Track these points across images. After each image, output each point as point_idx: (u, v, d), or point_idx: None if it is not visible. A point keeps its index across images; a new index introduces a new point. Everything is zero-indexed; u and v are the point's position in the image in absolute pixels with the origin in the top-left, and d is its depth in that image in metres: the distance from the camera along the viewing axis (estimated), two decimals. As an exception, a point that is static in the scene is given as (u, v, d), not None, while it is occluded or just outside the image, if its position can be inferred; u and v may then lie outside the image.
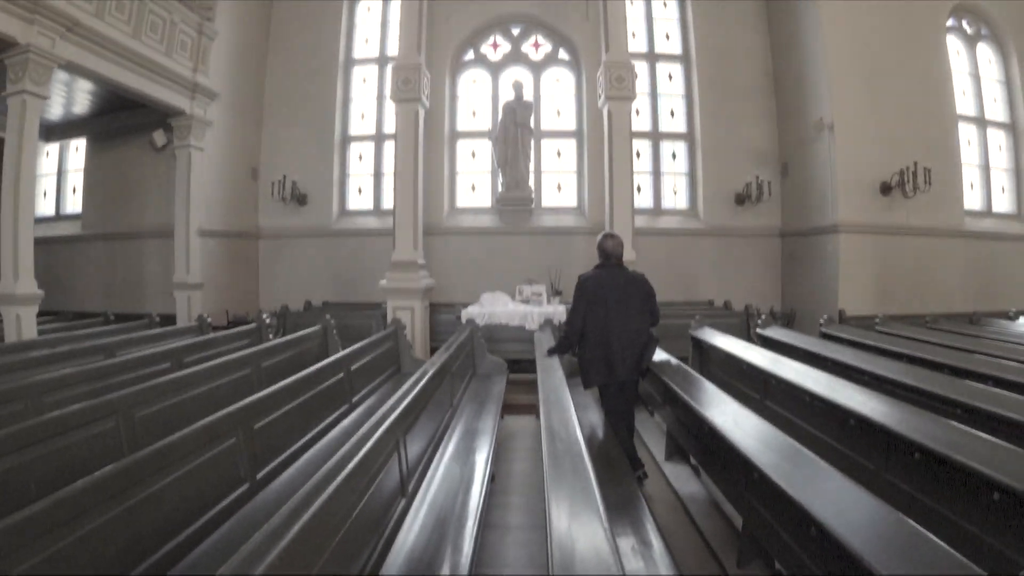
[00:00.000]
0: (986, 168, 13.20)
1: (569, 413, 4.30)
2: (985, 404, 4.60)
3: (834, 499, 2.92)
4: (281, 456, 4.71)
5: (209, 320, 9.55)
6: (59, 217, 13.15)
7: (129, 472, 3.05)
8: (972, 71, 13.26)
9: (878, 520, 2.63)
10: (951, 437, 3.68)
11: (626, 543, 3.59)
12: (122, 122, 12.02)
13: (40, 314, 8.54)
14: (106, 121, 12.19)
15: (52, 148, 13.24)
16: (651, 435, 7.18)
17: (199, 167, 11.29)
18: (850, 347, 7.69)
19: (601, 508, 2.61)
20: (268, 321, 9.38)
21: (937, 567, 2.17)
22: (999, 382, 5.55)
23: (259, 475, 4.31)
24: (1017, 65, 13.27)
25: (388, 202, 12.54)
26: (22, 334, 8.08)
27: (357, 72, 13.66)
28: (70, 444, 3.96)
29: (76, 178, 13.11)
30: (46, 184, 13.17)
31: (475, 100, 13.50)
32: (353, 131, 13.56)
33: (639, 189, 12.75)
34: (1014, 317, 10.85)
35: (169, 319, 10.68)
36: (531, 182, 12.73)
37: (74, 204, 13.12)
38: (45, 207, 13.05)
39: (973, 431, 3.77)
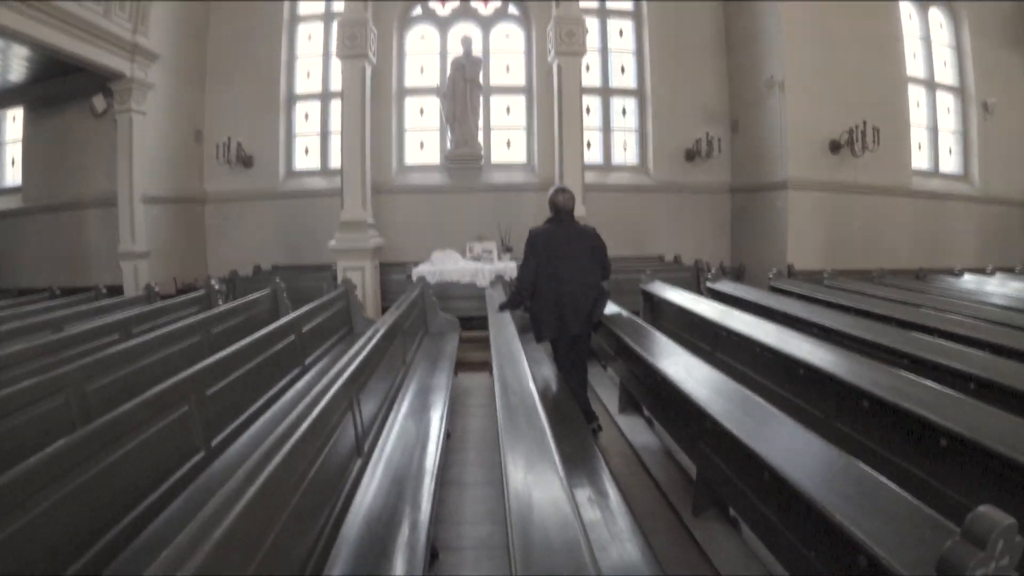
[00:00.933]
0: (934, 130, 13.49)
1: (522, 366, 4.33)
2: (931, 355, 4.74)
3: (785, 445, 3.00)
4: (236, 422, 4.69)
5: (157, 289, 9.39)
6: (-1, 191, 12.78)
7: (81, 446, 3.00)
8: (923, 35, 13.48)
9: (829, 464, 2.71)
10: (899, 385, 3.80)
11: (582, 494, 3.64)
12: (60, 88, 11.66)
13: (-18, 293, 8.34)
14: (44, 88, 11.81)
15: (-12, 119, 12.81)
16: (604, 388, 7.30)
17: (141, 132, 10.95)
18: (799, 300, 7.86)
19: (557, 459, 2.65)
20: (217, 287, 9.27)
21: (888, 508, 2.23)
22: (944, 334, 5.70)
23: (214, 442, 4.29)
24: (968, 30, 13.50)
25: (336, 162, 12.34)
26: (-36, 315, 7.86)
27: (302, 29, 13.33)
28: (18, 424, 3.88)
29: (14, 149, 12.74)
30: (-17, 157, 12.76)
31: (423, 56, 13.28)
32: (299, 90, 13.28)
33: (589, 145, 12.78)
34: (959, 274, 11.16)
35: (117, 290, 10.47)
36: (480, 139, 12.65)
37: (13, 176, 12.77)
38: (-17, 182, 12.65)
39: (921, 380, 3.89)
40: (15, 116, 12.71)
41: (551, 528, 2.10)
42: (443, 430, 4.68)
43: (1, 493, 2.51)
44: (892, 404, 3.61)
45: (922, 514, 2.16)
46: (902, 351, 5.04)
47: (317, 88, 13.27)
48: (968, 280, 10.66)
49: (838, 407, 4.22)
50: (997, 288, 9.61)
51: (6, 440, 3.73)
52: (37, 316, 7.61)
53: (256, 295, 8.36)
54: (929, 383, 3.81)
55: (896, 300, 7.84)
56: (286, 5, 13.16)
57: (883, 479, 2.42)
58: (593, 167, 12.80)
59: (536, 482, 2.45)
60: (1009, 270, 11.36)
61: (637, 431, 6.10)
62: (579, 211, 10.06)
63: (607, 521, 3.38)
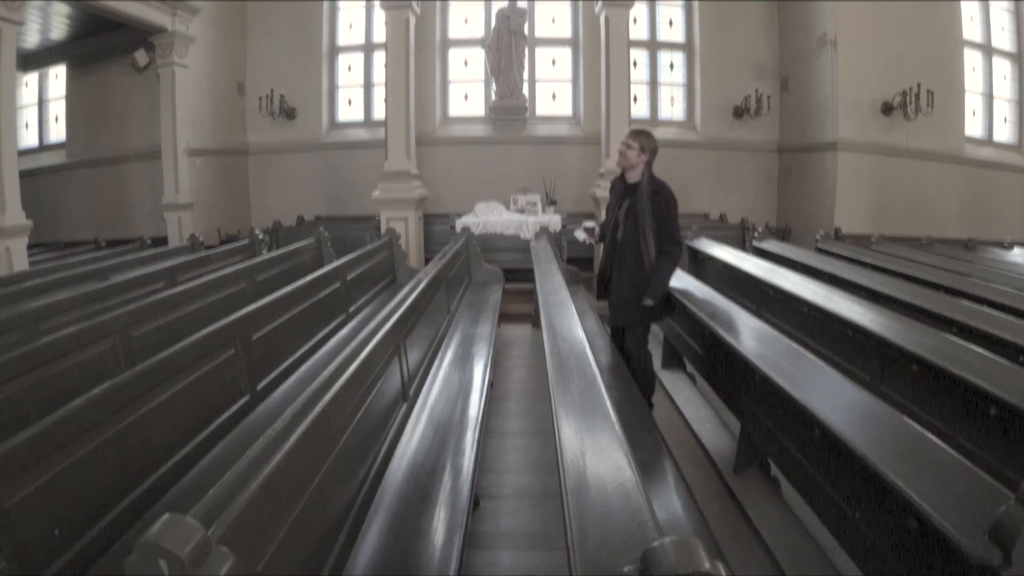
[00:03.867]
0: (989, 97, 12.88)
1: (571, 313, 4.28)
2: (981, 324, 4.54)
3: (836, 401, 2.93)
4: (281, 367, 4.73)
5: (201, 239, 9.45)
6: (43, 147, 12.89)
7: (127, 387, 3.02)
8: None
9: (881, 423, 2.64)
10: (950, 351, 3.67)
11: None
12: (102, 44, 11.66)
13: (30, 246, 8.42)
14: (85, 45, 11.82)
15: (31, 78, 12.92)
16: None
17: (183, 85, 10.96)
18: (846, 262, 7.66)
19: (610, 407, 2.58)
20: (261, 237, 9.30)
21: (942, 470, 2.17)
22: (994, 305, 5.45)
23: (259, 386, 4.33)
24: None
25: (379, 113, 12.34)
26: (13, 266, 7.93)
27: (345, -21, 13.20)
28: (67, 368, 3.93)
29: (58, 106, 12.80)
30: (27, 115, 12.89)
31: (467, 6, 13.06)
32: (341, 41, 13.17)
33: (635, 99, 12.48)
34: (1009, 247, 10.77)
35: (161, 241, 10.54)
36: (525, 91, 12.46)
37: (57, 133, 12.84)
38: (28, 138, 12.81)
39: (971, 346, 3.74)
40: (57, 74, 12.75)
41: (605, 475, 2.04)
42: (487, 379, 4.66)
43: (49, 433, 2.53)
44: (942, 368, 3.49)
45: (977, 478, 2.12)
46: (951, 318, 4.83)
47: (360, 39, 13.13)
48: (1018, 253, 10.28)
49: (885, 370, 4.11)
50: None
51: (55, 383, 3.78)
52: (83, 266, 7.65)
53: (300, 244, 8.41)
54: (981, 351, 3.66)
55: (945, 268, 7.55)
56: (328, -46, 12.98)
57: (938, 441, 2.37)
58: (639, 122, 12.44)
59: (589, 429, 2.39)
60: None
61: (679, 387, 6.06)
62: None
63: (652, 474, 3.36)
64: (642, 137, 4.86)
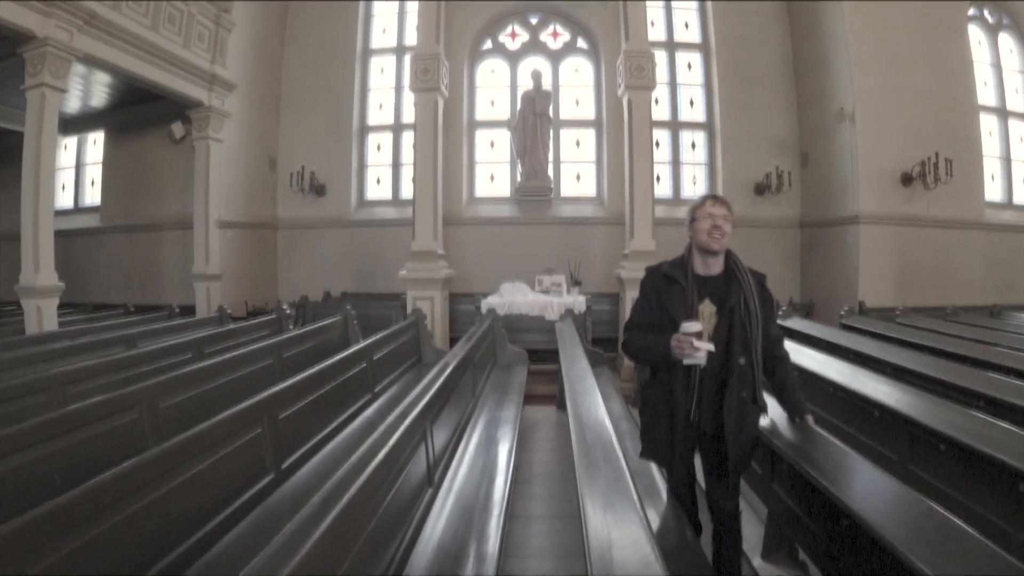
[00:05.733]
0: (1007, 160, 13.04)
1: (596, 401, 4.29)
2: (1009, 396, 4.59)
3: (862, 487, 2.90)
4: (306, 446, 4.74)
5: (229, 311, 9.58)
6: (78, 210, 13.24)
7: (155, 463, 3.05)
8: (993, 61, 13.12)
9: (907, 508, 2.60)
10: (977, 428, 3.70)
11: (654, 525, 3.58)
12: (140, 114, 12.06)
13: (60, 306, 8.55)
14: (124, 114, 12.22)
15: (70, 141, 13.33)
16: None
17: (217, 158, 11.27)
18: (871, 338, 7.69)
19: (636, 498, 2.59)
20: (288, 312, 9.40)
21: (969, 555, 2.16)
22: (1021, 375, 5.52)
23: (284, 465, 4.33)
24: None
25: (406, 192, 12.58)
26: (43, 326, 8.09)
27: (375, 62, 13.62)
28: (94, 436, 3.97)
29: (94, 171, 13.20)
30: (65, 177, 13.24)
31: (493, 90, 13.40)
32: (371, 121, 13.52)
33: (658, 179, 12.64)
34: None
35: (189, 310, 10.70)
36: (550, 172, 12.66)
37: (93, 196, 13.22)
38: (64, 200, 13.12)
39: (998, 422, 3.78)
40: (96, 139, 13.16)
41: (631, 567, 2.05)
42: (512, 463, 4.65)
43: (77, 504, 2.55)
44: (969, 447, 3.52)
45: (1005, 562, 2.08)
46: (978, 391, 4.90)
47: (389, 119, 13.47)
48: None
49: (913, 450, 4.11)
50: None
51: (82, 450, 3.83)
52: (112, 331, 7.82)
53: (327, 321, 8.46)
54: (1007, 425, 3.71)
55: (970, 338, 7.59)
56: (359, 38, 13.44)
57: (963, 524, 2.33)
58: (662, 201, 12.63)
59: (616, 521, 2.39)
60: None
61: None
62: (647, 245, 10.05)
63: (678, 559, 3.32)
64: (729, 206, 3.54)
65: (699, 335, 3.23)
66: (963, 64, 12.30)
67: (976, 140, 12.28)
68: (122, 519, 2.75)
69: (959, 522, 2.28)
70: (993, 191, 12.76)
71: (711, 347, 3.26)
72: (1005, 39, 13.29)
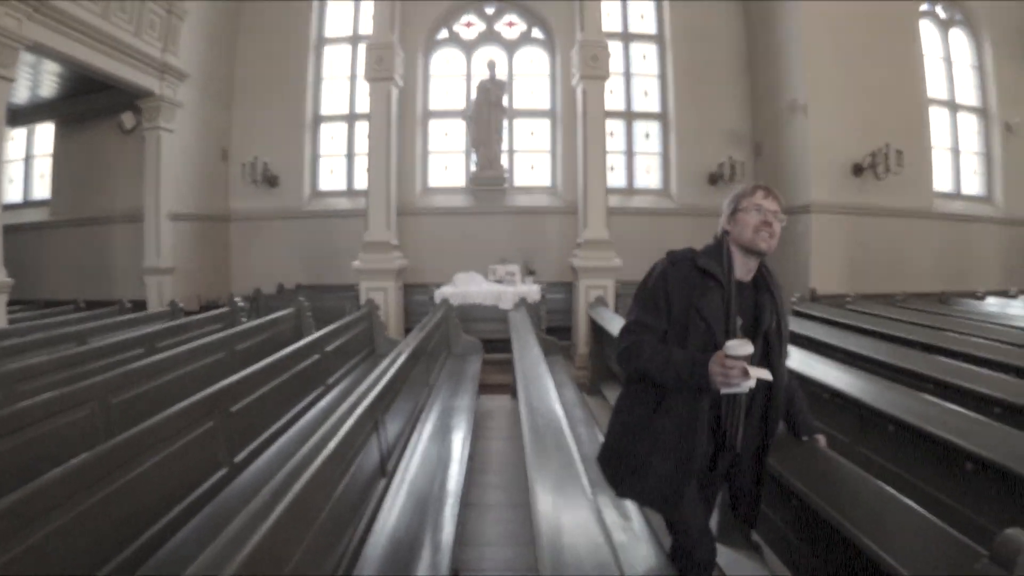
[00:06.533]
0: (957, 151, 13.42)
1: (548, 389, 4.37)
2: (956, 379, 4.75)
3: (811, 468, 3.00)
4: (259, 439, 4.73)
5: (181, 305, 9.47)
6: (27, 203, 12.97)
7: (107, 458, 3.05)
8: (945, 56, 13.45)
9: (856, 488, 2.70)
10: (924, 410, 3.83)
11: (607, 517, 3.63)
12: (90, 105, 11.83)
13: (9, 303, 8.37)
14: (74, 104, 11.98)
15: (18, 133, 13.01)
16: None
17: (168, 149, 11.10)
18: (822, 324, 7.85)
19: (586, 482, 2.70)
20: (241, 305, 9.33)
21: (916, 531, 2.25)
22: (969, 358, 5.70)
23: (237, 459, 4.33)
24: (990, 51, 13.48)
25: (360, 183, 12.46)
26: (-8, 324, 7.95)
27: (329, 52, 13.50)
28: (45, 433, 3.95)
29: (44, 163, 12.92)
30: (12, 170, 12.94)
31: (449, 79, 13.40)
32: (325, 111, 13.42)
33: (612, 168, 12.74)
34: (981, 297, 11.05)
35: (140, 305, 10.54)
36: (504, 162, 12.73)
37: (42, 190, 12.94)
38: (12, 193, 12.83)
39: (946, 404, 3.91)
40: (45, 131, 12.89)
41: (582, 552, 2.12)
42: (466, 452, 4.69)
43: (25, 504, 2.55)
44: (917, 428, 3.65)
45: (949, 537, 2.16)
46: (927, 375, 5.07)
47: (343, 109, 13.40)
48: (992, 303, 10.58)
49: (862, 431, 4.24)
50: (1021, 311, 9.52)
51: (33, 448, 3.81)
52: (62, 328, 7.70)
53: (280, 314, 8.43)
54: (954, 407, 3.84)
55: (920, 324, 7.83)
56: (314, 27, 13.33)
57: (910, 503, 2.42)
58: (616, 191, 12.77)
59: (566, 506, 2.48)
60: None
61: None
62: (601, 234, 10.13)
63: (631, 544, 3.41)
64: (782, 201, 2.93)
65: (750, 359, 2.56)
66: (914, 59, 12.62)
67: (926, 132, 12.62)
68: (73, 517, 2.74)
69: (907, 500, 2.39)
70: (943, 181, 13.10)
71: (768, 375, 2.62)
72: (957, 34, 13.61)
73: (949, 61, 13.46)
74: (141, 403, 4.78)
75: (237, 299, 9.46)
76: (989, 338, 6.70)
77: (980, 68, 13.65)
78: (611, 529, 3.49)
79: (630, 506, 3.80)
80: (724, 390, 2.63)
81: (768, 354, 2.85)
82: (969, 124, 13.61)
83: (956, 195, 13.26)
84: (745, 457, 2.91)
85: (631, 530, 3.54)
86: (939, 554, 2.09)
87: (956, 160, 13.42)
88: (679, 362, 2.65)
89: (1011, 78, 13.48)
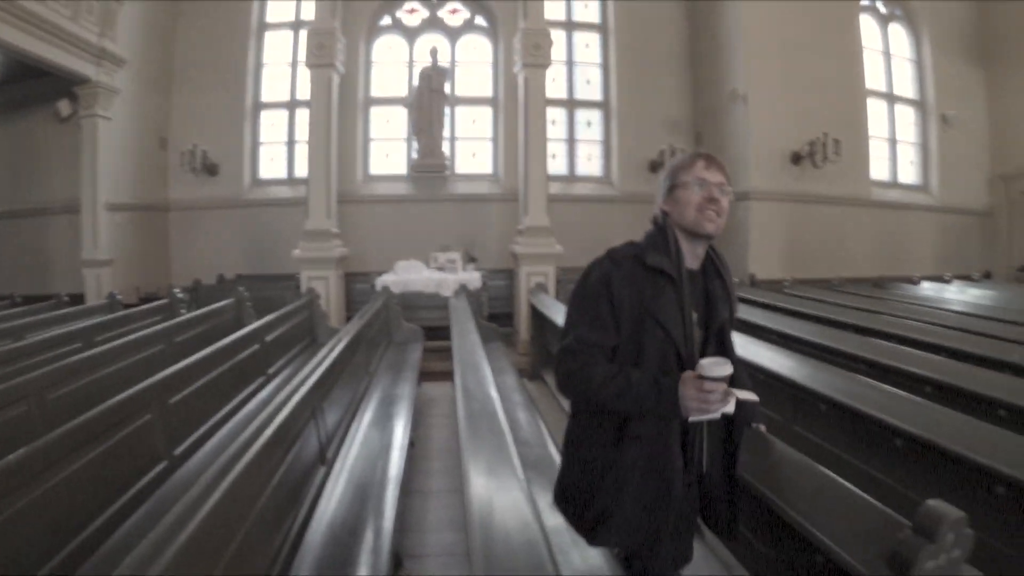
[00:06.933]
0: (894, 142, 13.90)
1: (484, 373, 4.46)
2: (888, 359, 4.99)
3: (747, 447, 3.12)
4: (199, 431, 4.72)
5: (120, 298, 9.33)
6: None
7: (44, 454, 3.03)
8: (884, 50, 13.90)
9: (790, 467, 2.79)
10: (856, 389, 4.02)
11: (544, 501, 3.74)
12: (25, 92, 11.50)
13: (-58, 299, 8.23)
14: (7, 91, 11.62)
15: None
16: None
17: (106, 138, 10.86)
18: (759, 308, 8.09)
19: (517, 463, 2.78)
20: (180, 296, 9.23)
21: (843, 506, 2.32)
22: (902, 340, 6.00)
23: (177, 451, 4.32)
24: (928, 46, 13.93)
25: (301, 171, 12.31)
26: (-78, 321, 7.74)
27: (270, 37, 13.32)
28: (-21, 432, 3.84)
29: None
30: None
31: (391, 66, 13.37)
32: (265, 98, 13.25)
33: (554, 156, 12.89)
34: (916, 282, 11.47)
35: (79, 299, 10.31)
36: (446, 149, 12.77)
37: (-26, 181, 12.55)
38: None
39: (875, 383, 4.11)
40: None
41: (512, 530, 2.21)
42: (407, 439, 4.73)
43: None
44: (848, 407, 3.81)
45: (876, 511, 2.21)
46: (860, 356, 5.30)
47: (284, 96, 13.24)
48: (926, 288, 11.01)
49: (796, 410, 4.39)
50: (955, 295, 9.95)
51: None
52: (-2, 324, 7.57)
53: (219, 304, 8.34)
54: (885, 387, 4.03)
55: (855, 307, 8.14)
56: (255, 12, 13.13)
57: (838, 479, 2.47)
58: (557, 178, 12.94)
59: (497, 487, 2.56)
60: (967, 278, 11.79)
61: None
62: (542, 221, 10.24)
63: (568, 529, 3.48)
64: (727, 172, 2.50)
65: (730, 379, 2.15)
66: (854, 51, 13.04)
67: (863, 123, 13.07)
68: (10, 515, 2.72)
69: (836, 477, 2.45)
70: (880, 170, 13.56)
71: (754, 396, 2.29)
72: (896, 29, 14.08)
73: (888, 55, 13.91)
74: (79, 398, 4.74)
75: (176, 291, 9.36)
76: (923, 321, 7.05)
77: (919, 62, 14.12)
78: (548, 511, 3.64)
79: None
80: (696, 417, 2.23)
81: (723, 348, 2.48)
82: (906, 116, 14.08)
83: (893, 184, 13.72)
84: (714, 471, 2.51)
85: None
86: (866, 527, 2.15)
87: (893, 150, 13.90)
88: (640, 388, 2.21)
89: (948, 72, 13.97)
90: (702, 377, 2.09)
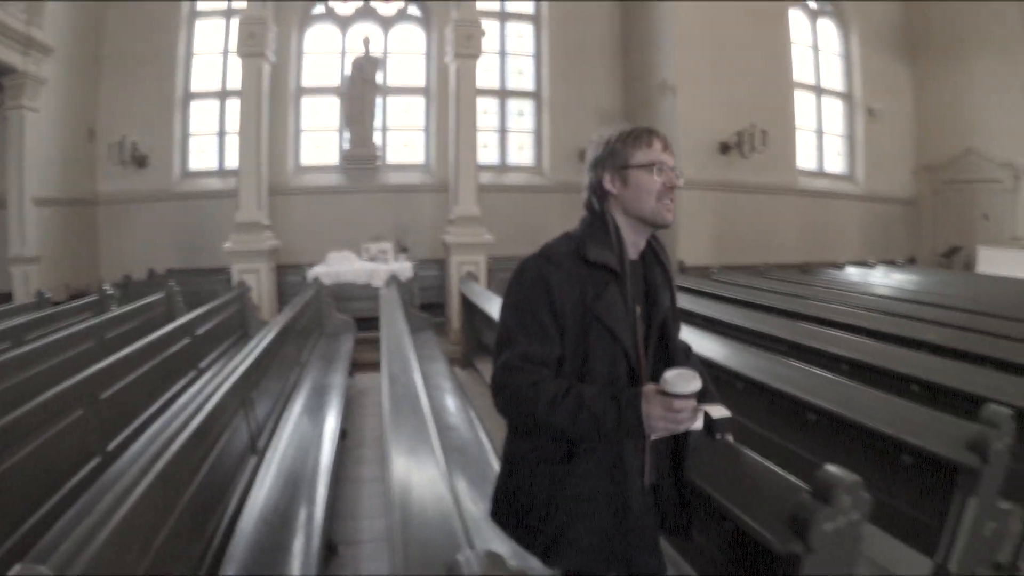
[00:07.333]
0: (821, 133, 14.50)
1: (408, 359, 4.55)
2: (807, 340, 5.34)
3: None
4: (132, 426, 4.75)
5: (48, 295, 9.11)
6: None
7: None
8: (813, 44, 14.45)
9: (704, 442, 2.99)
10: (770, 368, 4.31)
11: (466, 479, 4.01)
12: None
13: None
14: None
15: None
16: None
17: (33, 130, 10.53)
18: (687, 293, 8.36)
19: (435, 442, 2.90)
20: (110, 292, 9.10)
21: (751, 476, 2.46)
22: (823, 322, 6.37)
23: (110, 447, 4.34)
24: (857, 41, 14.53)
25: (232, 162, 12.16)
26: None
27: (201, 26, 13.07)
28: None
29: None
30: None
31: (323, 56, 13.29)
32: (196, 88, 13.01)
33: (486, 146, 13.07)
34: (841, 267, 11.96)
35: (6, 297, 10.10)
36: (378, 139, 12.82)
37: None
38: None
39: (790, 362, 4.43)
40: None
41: (428, 504, 2.33)
42: (338, 428, 4.82)
43: None
44: (762, 384, 4.07)
45: (781, 479, 2.35)
46: (781, 338, 5.64)
47: (215, 86, 13.06)
48: (851, 272, 11.56)
49: (715, 390, 4.65)
50: (879, 280, 10.46)
51: None
52: (-79, 324, 7.43)
53: (150, 299, 8.29)
54: (799, 365, 4.34)
55: (780, 292, 8.52)
56: (186, 0, 12.88)
57: (747, 451, 2.57)
58: (489, 168, 13.15)
59: (417, 465, 2.68)
60: (891, 263, 12.33)
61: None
62: (472, 211, 10.38)
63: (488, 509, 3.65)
64: None
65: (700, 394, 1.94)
66: (783, 45, 13.53)
67: (790, 114, 13.56)
68: None
69: (746, 449, 2.59)
70: (808, 160, 14.14)
71: (726, 412, 2.11)
72: (826, 24, 14.62)
73: (817, 49, 14.43)
74: (9, 398, 4.52)
75: (106, 286, 9.22)
76: (846, 304, 7.45)
77: (847, 57, 14.73)
78: (468, 489, 3.83)
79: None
80: (659, 435, 2.03)
81: (665, 341, 2.30)
82: (834, 108, 14.68)
83: (820, 173, 14.33)
84: (664, 477, 2.31)
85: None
86: (772, 495, 2.28)
87: (820, 141, 14.47)
88: (596, 408, 1.95)
89: (876, 67, 14.61)
90: (668, 394, 1.87)
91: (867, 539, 3.13)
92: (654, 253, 2.31)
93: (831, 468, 2.06)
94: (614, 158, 2.17)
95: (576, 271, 2.05)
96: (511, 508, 2.21)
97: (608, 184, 2.17)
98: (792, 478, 2.31)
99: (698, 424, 1.97)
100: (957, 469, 2.93)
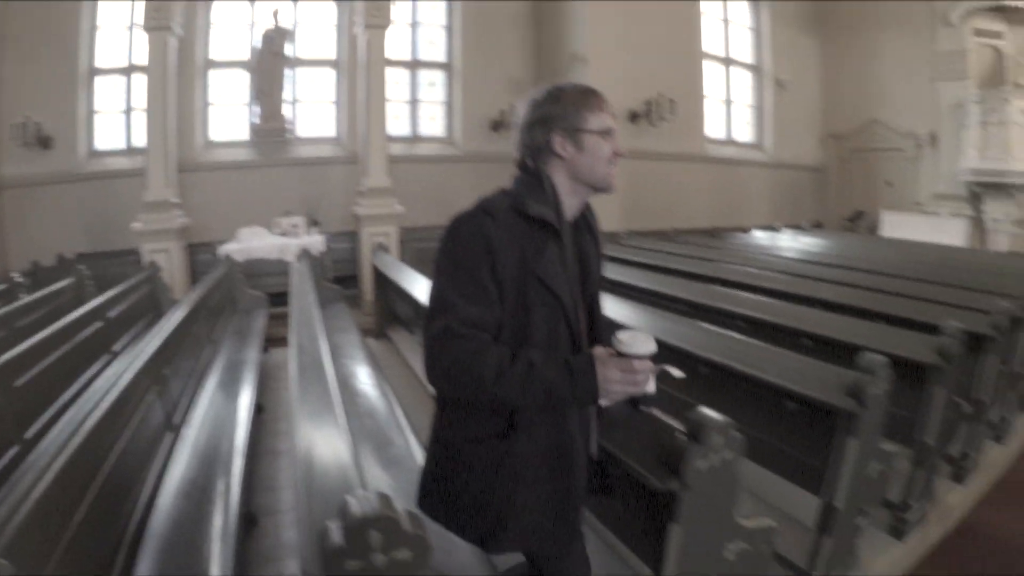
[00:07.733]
0: (730, 103, 15.23)
1: (315, 329, 4.71)
2: (704, 299, 5.79)
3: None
4: (48, 412, 4.75)
5: (-48, 289, 9.00)
6: None
7: None
8: (724, 17, 15.05)
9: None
10: (665, 325, 4.66)
11: (372, 442, 4.27)
12: None
13: None
14: None
15: None
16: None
17: (-72, 113, 10.08)
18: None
19: (340, 409, 3.08)
20: (18, 281, 8.91)
21: (639, 425, 2.62)
22: (725, 283, 6.82)
23: (28, 435, 4.37)
24: (767, 16, 15.24)
25: (140, 140, 11.90)
26: None
27: (104, -1, 12.66)
28: None
29: None
30: None
31: (231, 28, 13.05)
32: (100, 64, 12.56)
33: (397, 117, 13.20)
34: (749, 231, 12.51)
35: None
36: (288, 112, 12.79)
37: None
38: None
39: (686, 320, 4.83)
40: None
41: (328, 462, 2.48)
42: (253, 402, 4.97)
43: None
44: (658, 341, 4.36)
45: (663, 424, 2.55)
46: (681, 298, 6.04)
47: (120, 62, 12.67)
48: (758, 236, 12.04)
49: None
50: (785, 243, 10.95)
51: None
52: None
53: (59, 285, 8.15)
54: (694, 322, 4.71)
55: (687, 255, 8.93)
56: (87, -28, 12.42)
57: (658, 413, 2.67)
58: (400, 139, 13.26)
59: (318, 428, 2.85)
60: (797, 227, 12.97)
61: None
62: (383, 182, 10.50)
63: (394, 475, 3.91)
64: None
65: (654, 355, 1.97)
66: (692, 17, 14.06)
67: (699, 84, 14.23)
68: None
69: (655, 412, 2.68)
70: (717, 129, 14.87)
71: (681, 373, 2.11)
72: None
73: (727, 22, 15.05)
74: None
75: (14, 275, 9.07)
76: (749, 266, 7.94)
77: (757, 30, 15.42)
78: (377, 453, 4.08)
79: (408, 432, 4.39)
80: (613, 400, 2.02)
81: (592, 309, 2.31)
82: (744, 79, 15.41)
83: (729, 141, 15.12)
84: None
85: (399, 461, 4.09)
86: (656, 442, 2.48)
87: (729, 110, 15.23)
88: (547, 373, 1.88)
89: (785, 40, 15.42)
90: (624, 355, 1.89)
91: (761, 481, 3.59)
92: (585, 220, 2.29)
93: (703, 409, 2.27)
94: (565, 119, 2.10)
95: (515, 227, 2.00)
96: (442, 494, 2.16)
97: (558, 147, 2.11)
98: (671, 422, 2.53)
99: (651, 387, 1.98)
100: (836, 413, 3.21)
